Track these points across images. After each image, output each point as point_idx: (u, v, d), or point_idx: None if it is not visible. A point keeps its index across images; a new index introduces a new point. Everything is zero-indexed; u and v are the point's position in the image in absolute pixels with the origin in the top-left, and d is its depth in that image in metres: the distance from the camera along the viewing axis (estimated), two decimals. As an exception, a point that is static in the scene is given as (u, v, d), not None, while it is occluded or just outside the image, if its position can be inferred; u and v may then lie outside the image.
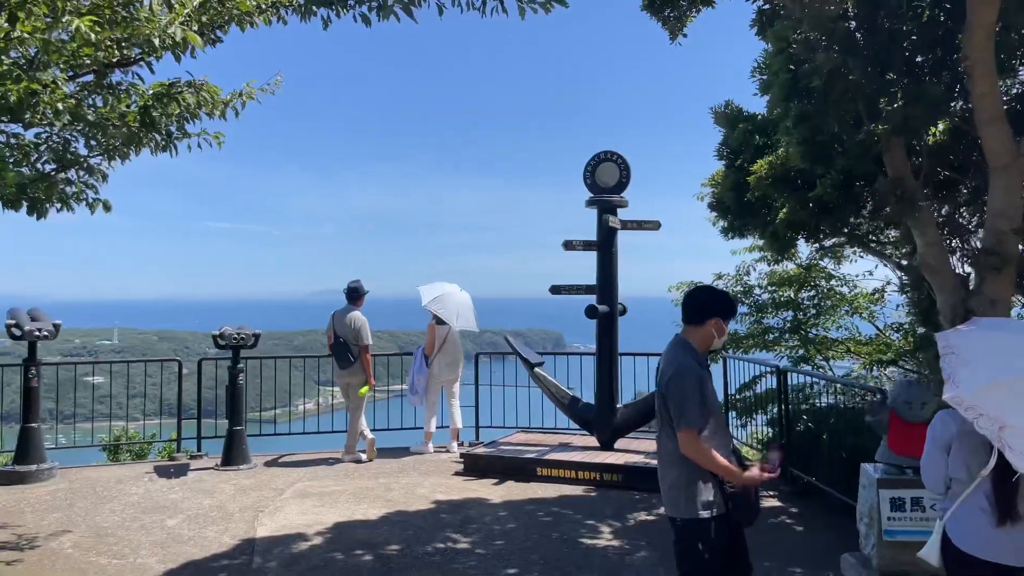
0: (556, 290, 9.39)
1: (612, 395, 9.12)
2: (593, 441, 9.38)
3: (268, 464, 9.54)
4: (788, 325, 10.67)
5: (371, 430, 10.02)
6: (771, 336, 11.36)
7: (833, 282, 10.75)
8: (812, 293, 10.53)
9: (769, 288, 10.89)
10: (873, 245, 8.24)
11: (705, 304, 3.90)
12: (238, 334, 9.19)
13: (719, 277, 11.65)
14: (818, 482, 7.51)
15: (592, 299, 9.21)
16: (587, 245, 9.14)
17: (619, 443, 9.17)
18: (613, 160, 9.21)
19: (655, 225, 9.45)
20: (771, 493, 8.01)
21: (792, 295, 10.37)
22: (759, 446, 9.50)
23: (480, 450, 9.23)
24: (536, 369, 9.57)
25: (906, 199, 5.48)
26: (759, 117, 7.95)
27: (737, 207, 7.74)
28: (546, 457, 8.72)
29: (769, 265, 11.85)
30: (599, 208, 9.16)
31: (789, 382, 8.34)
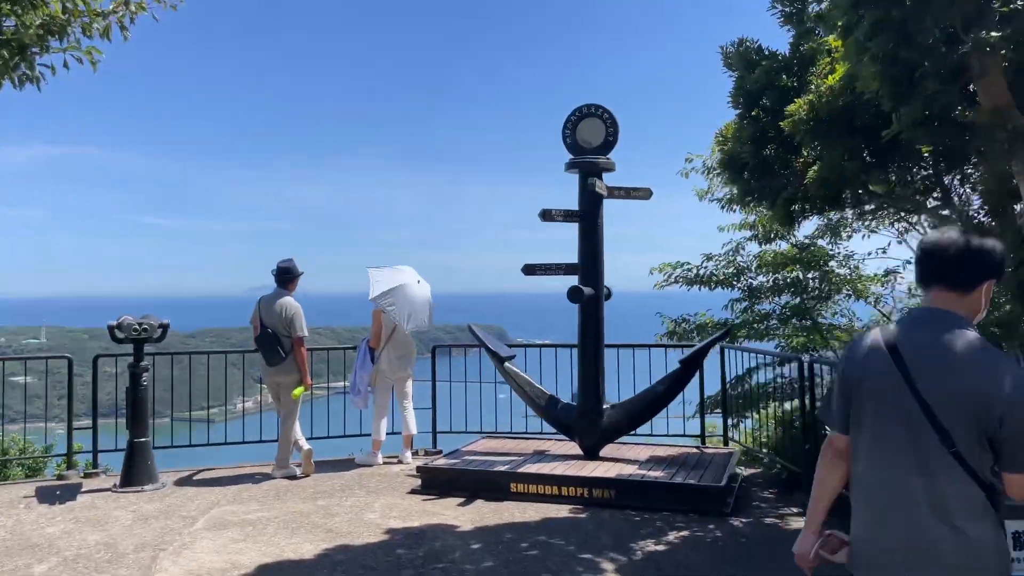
0: (530, 270, 7.89)
1: (598, 394, 7.67)
2: (574, 448, 7.93)
3: (181, 482, 7.83)
4: (788, 310, 9.40)
5: (307, 439, 8.39)
6: (768, 323, 10.12)
7: (832, 263, 9.53)
8: (817, 274, 9.25)
9: (766, 269, 9.61)
10: (932, 203, 6.88)
11: (981, 260, 2.39)
12: (140, 325, 7.45)
13: (709, 258, 10.37)
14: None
15: (568, 281, 7.79)
16: (568, 215, 7.66)
17: (605, 451, 7.73)
18: (597, 115, 7.75)
19: (646, 193, 8.04)
20: (795, 511, 6.67)
21: (800, 275, 9.06)
22: (763, 449, 8.17)
23: (440, 461, 7.67)
24: (506, 364, 8.06)
25: (1019, 134, 4.15)
26: (780, 57, 6.57)
27: (758, 163, 6.35)
28: (521, 470, 7.22)
29: (760, 244, 10.62)
30: (581, 172, 7.69)
31: (810, 375, 6.99)
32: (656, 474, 7.03)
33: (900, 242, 9.16)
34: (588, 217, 7.64)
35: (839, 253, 9.30)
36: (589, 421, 7.63)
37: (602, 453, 7.70)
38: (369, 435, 8.76)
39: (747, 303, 10.43)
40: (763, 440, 8.26)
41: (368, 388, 8.59)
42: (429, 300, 8.66)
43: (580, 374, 7.73)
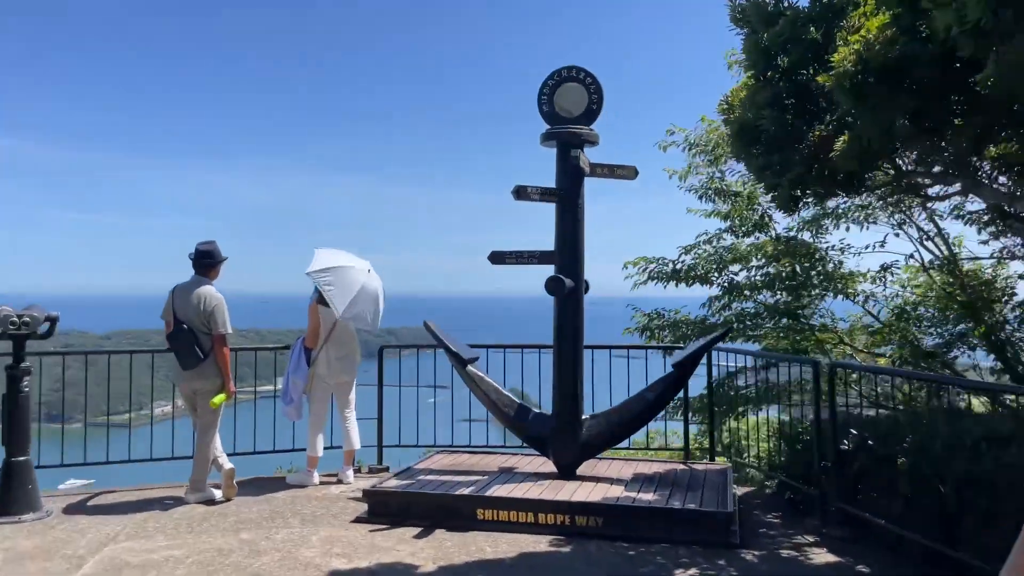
0: (498, 259, 6.77)
1: (576, 403, 6.59)
2: (546, 465, 6.85)
3: (71, 509, 6.44)
4: (779, 309, 8.50)
5: (229, 455, 7.08)
6: (751, 322, 9.23)
7: (829, 257, 8.68)
8: (818, 269, 8.36)
9: (760, 261, 8.71)
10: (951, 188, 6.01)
11: None
12: (19, 318, 6.04)
13: (687, 250, 9.43)
14: (892, 523, 5.23)
15: (540, 270, 6.72)
16: (545, 194, 6.56)
17: (582, 468, 6.67)
18: (579, 79, 6.69)
19: (631, 172, 6.99)
20: (811, 539, 5.71)
21: (797, 269, 8.14)
22: (758, 464, 7.22)
23: (392, 483, 6.46)
24: (469, 367, 6.91)
25: None
26: (802, 10, 5.60)
27: (780, 131, 5.36)
28: (490, 493, 6.08)
29: (738, 236, 9.75)
30: (560, 144, 6.61)
31: (830, 381, 6.03)
32: (647, 497, 5.99)
33: (896, 234, 8.39)
34: (568, 196, 6.56)
35: (832, 246, 8.48)
36: (566, 434, 6.55)
37: (580, 471, 6.63)
38: (303, 450, 7.49)
39: (724, 300, 9.52)
40: (757, 455, 7.32)
41: (303, 395, 7.32)
42: (379, 297, 7.44)
43: (556, 380, 6.64)
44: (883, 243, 8.42)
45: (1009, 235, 7.77)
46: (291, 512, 6.38)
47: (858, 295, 8.75)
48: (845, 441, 5.75)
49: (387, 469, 7.85)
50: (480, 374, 6.94)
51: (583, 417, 6.60)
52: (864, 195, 6.85)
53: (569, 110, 6.68)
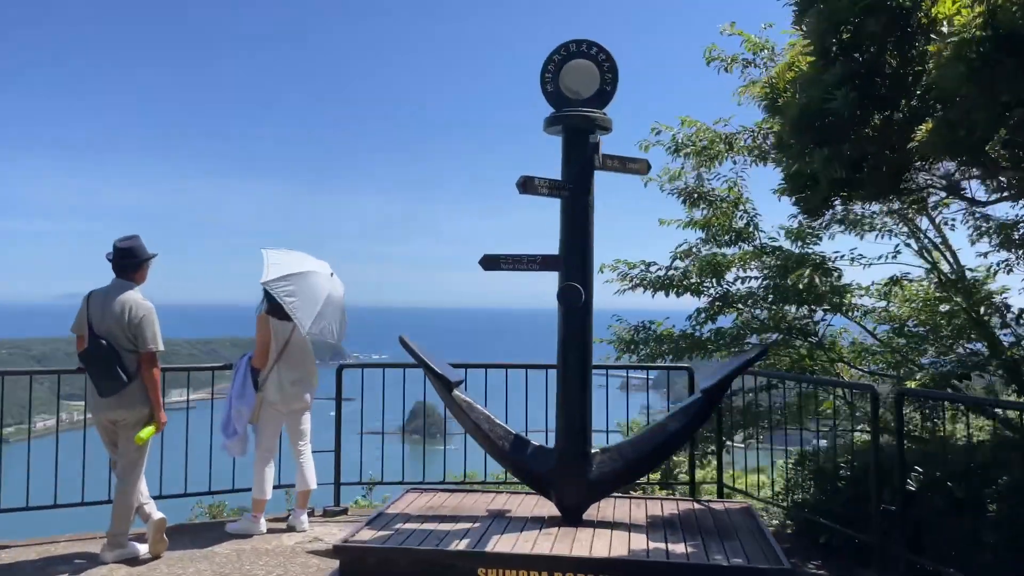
0: (492, 264, 5.72)
1: (585, 434, 5.59)
2: (543, 506, 5.82)
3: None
4: (790, 325, 7.72)
5: (155, 498, 5.76)
6: (732, 338, 8.44)
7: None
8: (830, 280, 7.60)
9: (755, 274, 7.92)
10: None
11: None
12: None
13: (684, 255, 8.58)
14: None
15: (540, 277, 5.74)
16: (554, 187, 5.55)
17: (591, 512, 5.66)
18: (590, 55, 5.72)
19: (643, 166, 6.07)
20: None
21: (817, 281, 7.34)
22: (784, 503, 6.37)
23: (366, 535, 5.27)
24: (455, 392, 5.82)
25: None
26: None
27: (852, 112, 4.51)
28: (491, 548, 4.99)
29: (720, 247, 8.98)
30: (567, 129, 5.63)
31: (897, 412, 5.22)
32: (679, 548, 5.03)
33: (908, 244, 7.74)
34: (578, 190, 5.57)
35: (840, 255, 7.75)
36: (573, 471, 5.52)
37: (588, 515, 5.62)
38: (247, 491, 6.24)
39: (709, 312, 8.70)
40: (778, 490, 6.47)
41: (248, 426, 6.08)
42: (343, 303, 6.30)
43: (561, 407, 5.61)
44: (896, 253, 7.78)
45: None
46: (237, 571, 5.14)
47: (853, 310, 8.08)
48: (910, 480, 4.94)
49: (345, 511, 6.68)
50: (469, 400, 5.85)
51: (592, 451, 5.61)
52: (894, 200, 6.14)
53: (577, 91, 5.69)
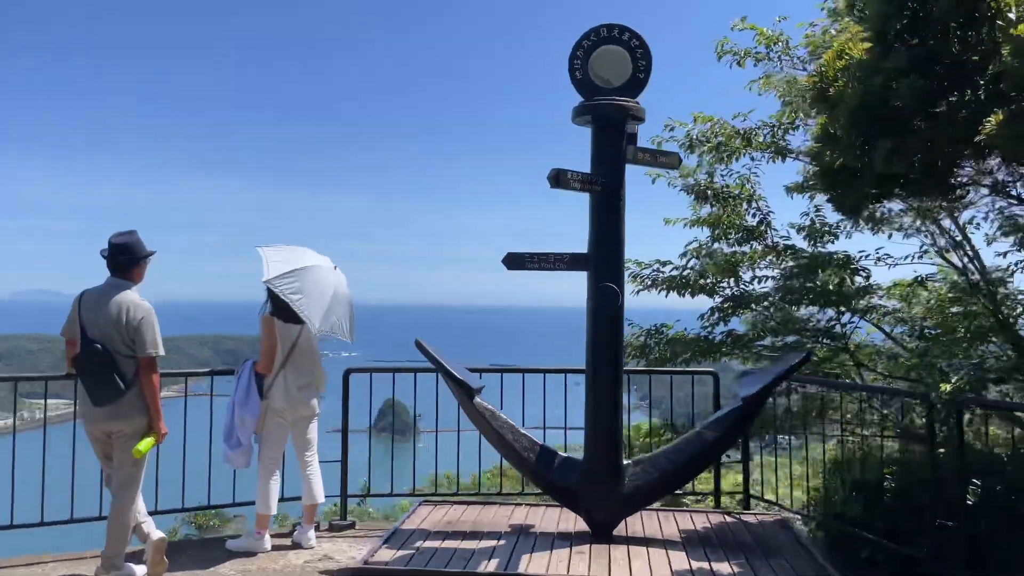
0: (517, 263, 5.36)
1: (616, 445, 5.25)
2: (571, 521, 5.48)
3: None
4: (816, 330, 7.43)
5: (153, 515, 5.32)
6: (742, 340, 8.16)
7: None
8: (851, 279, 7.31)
9: (774, 273, 7.63)
10: None
11: None
12: None
13: (698, 253, 8.25)
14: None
15: (565, 277, 5.42)
16: (586, 182, 5.19)
17: (622, 527, 5.33)
18: (621, 41, 5.37)
19: (675, 160, 5.79)
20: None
21: (847, 281, 7.04)
22: (812, 513, 6.07)
23: (385, 555, 4.89)
24: (477, 399, 5.45)
25: None
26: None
27: (918, 102, 4.20)
28: (523, 570, 4.63)
29: (731, 245, 8.67)
30: (598, 118, 5.28)
31: (958, 423, 4.92)
32: (724, 568, 4.71)
33: (932, 244, 7.47)
34: (611, 185, 5.23)
35: (866, 255, 7.46)
36: (604, 485, 5.19)
37: (619, 531, 5.29)
38: (250, 504, 5.83)
39: (720, 314, 8.40)
40: (805, 499, 6.17)
41: (252, 436, 5.66)
42: (350, 297, 5.90)
43: (590, 416, 5.27)
44: (923, 253, 7.52)
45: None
46: (244, 597, 4.74)
47: (872, 311, 7.81)
48: (968, 495, 4.65)
49: (353, 525, 6.26)
50: (492, 408, 5.49)
51: (624, 462, 5.27)
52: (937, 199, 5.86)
53: (608, 79, 5.35)
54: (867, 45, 4.67)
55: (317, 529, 6.03)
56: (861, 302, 7.63)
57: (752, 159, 8.23)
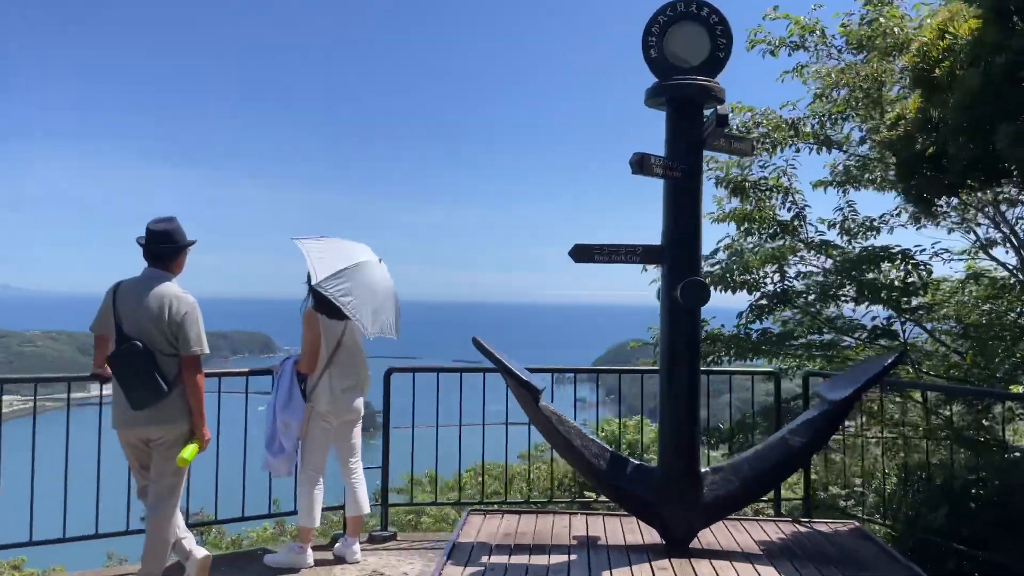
0: (584, 256, 4.97)
1: (694, 451, 4.89)
2: (638, 532, 5.12)
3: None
4: (872, 330, 7.14)
5: (194, 527, 4.87)
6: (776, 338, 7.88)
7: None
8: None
9: (821, 269, 7.34)
10: None
11: None
12: None
13: (733, 250, 7.95)
14: None
15: (632, 270, 5.03)
16: (668, 168, 4.81)
17: (699, 539, 4.98)
18: (699, 17, 5.01)
19: (749, 147, 5.45)
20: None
21: (915, 276, 6.75)
22: (890, 517, 5.78)
23: (453, 572, 4.48)
24: (543, 402, 5.06)
25: None
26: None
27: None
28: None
29: (765, 240, 8.40)
30: (675, 100, 4.91)
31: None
32: (820, 585, 4.37)
33: (989, 239, 7.23)
34: (689, 171, 4.87)
35: (921, 249, 7.19)
36: (682, 495, 4.82)
37: (695, 543, 4.94)
38: (291, 515, 5.40)
39: (760, 311, 8.10)
40: (887, 504, 5.86)
41: (296, 441, 5.22)
42: (394, 291, 5.47)
43: (665, 420, 4.91)
44: (981, 248, 7.26)
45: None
46: (300, 620, 4.31)
47: (932, 308, 7.54)
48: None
49: (395, 537, 5.86)
50: (558, 412, 5.10)
51: (702, 469, 4.91)
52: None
53: (685, 58, 4.98)
54: (975, 24, 4.36)
55: (365, 544, 5.61)
56: (922, 299, 7.35)
57: (797, 150, 7.93)
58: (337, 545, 5.44)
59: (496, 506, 6.01)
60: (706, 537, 5.09)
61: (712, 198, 8.57)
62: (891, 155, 5.58)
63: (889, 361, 4.88)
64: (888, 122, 5.69)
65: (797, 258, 8.27)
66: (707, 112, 4.99)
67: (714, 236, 8.56)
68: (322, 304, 5.17)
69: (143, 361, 4.35)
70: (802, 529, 5.42)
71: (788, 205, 8.37)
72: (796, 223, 8.37)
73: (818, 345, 8.29)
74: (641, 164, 4.65)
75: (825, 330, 8.03)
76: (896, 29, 7.44)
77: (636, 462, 5.03)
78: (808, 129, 7.86)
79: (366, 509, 5.43)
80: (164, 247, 4.55)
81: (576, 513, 5.72)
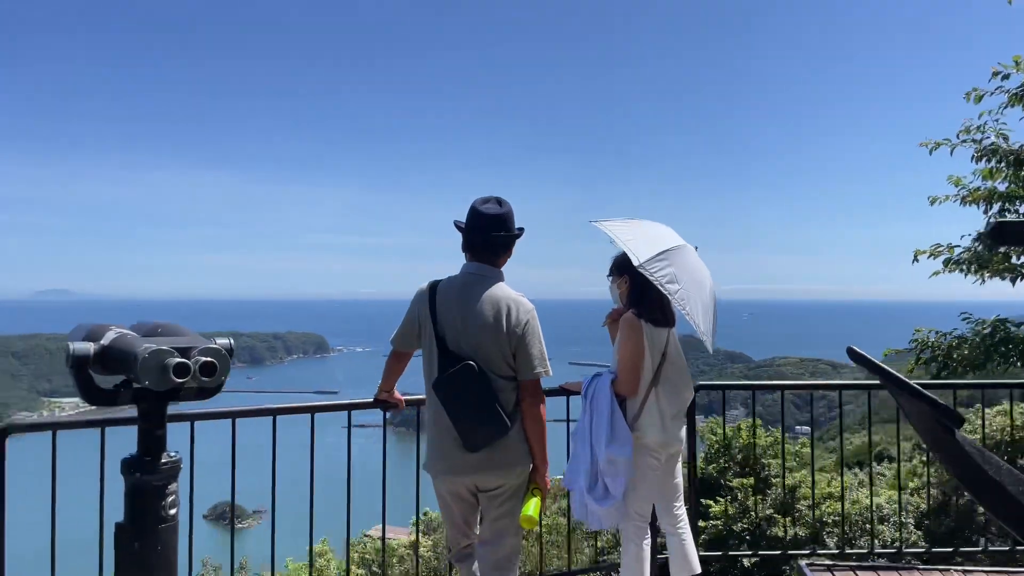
0: (1014, 235, 3.73)
1: None
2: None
3: None
4: None
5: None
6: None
7: None
8: None
9: None
10: None
11: None
12: (200, 353, 2.57)
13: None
14: None
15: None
16: None
17: None
18: None
19: None
20: None
21: None
22: None
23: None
24: (960, 433, 3.83)
25: None
26: None
27: None
28: None
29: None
30: None
31: None
32: None
33: None
34: None
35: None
36: None
37: None
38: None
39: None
40: None
41: (624, 484, 4.07)
42: (712, 285, 4.26)
43: None
44: None
45: None
46: None
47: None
48: None
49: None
50: (979, 447, 3.86)
51: None
52: None
53: None
54: None
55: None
56: None
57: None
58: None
59: (830, 560, 4.77)
60: None
61: (972, 173, 7.29)
62: None
63: None
64: None
65: None
66: None
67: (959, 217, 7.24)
68: (645, 306, 4.00)
69: (482, 387, 3.25)
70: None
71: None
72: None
73: None
74: (997, 234, 3.40)
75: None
76: None
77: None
78: None
79: (697, 568, 4.25)
80: (499, 236, 3.42)
81: (948, 570, 4.50)
